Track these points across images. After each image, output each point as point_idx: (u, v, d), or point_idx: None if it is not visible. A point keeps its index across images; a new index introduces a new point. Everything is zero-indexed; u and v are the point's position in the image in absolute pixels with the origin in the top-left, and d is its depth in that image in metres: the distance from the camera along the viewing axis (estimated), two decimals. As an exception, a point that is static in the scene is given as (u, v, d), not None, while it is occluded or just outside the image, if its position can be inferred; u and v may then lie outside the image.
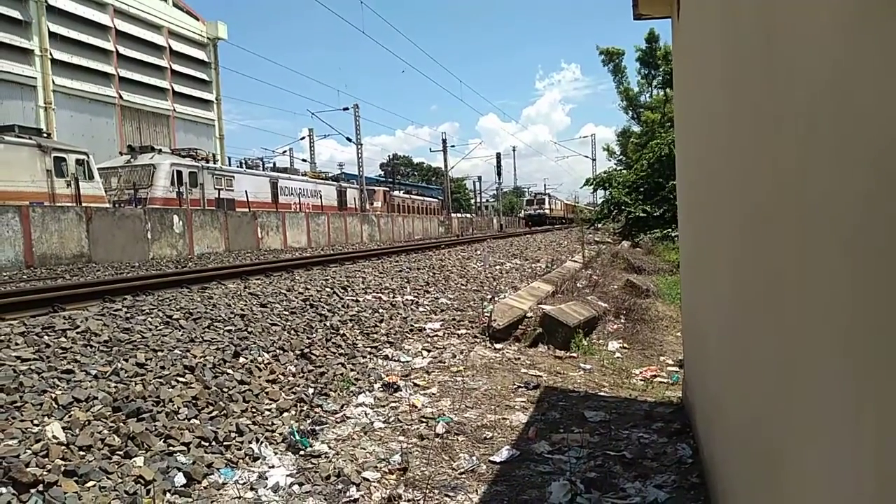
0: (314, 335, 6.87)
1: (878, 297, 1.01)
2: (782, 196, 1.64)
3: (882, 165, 0.97)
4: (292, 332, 6.80)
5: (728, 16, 2.39)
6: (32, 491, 3.12)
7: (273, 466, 3.91)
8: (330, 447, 4.27)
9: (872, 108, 1.02)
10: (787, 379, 1.66)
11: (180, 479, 3.51)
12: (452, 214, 51.55)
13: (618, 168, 41.72)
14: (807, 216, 1.43)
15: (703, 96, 3.35)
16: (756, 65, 1.91)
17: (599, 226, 33.32)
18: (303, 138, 52.79)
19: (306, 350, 6.28)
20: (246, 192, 27.62)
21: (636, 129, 43.01)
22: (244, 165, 32.33)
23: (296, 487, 3.63)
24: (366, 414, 4.97)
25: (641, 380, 6.35)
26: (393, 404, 5.23)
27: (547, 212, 66.28)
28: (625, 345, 7.93)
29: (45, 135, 21.00)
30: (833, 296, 1.26)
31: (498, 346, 7.53)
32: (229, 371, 5.21)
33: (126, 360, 4.89)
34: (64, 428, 3.67)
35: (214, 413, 4.43)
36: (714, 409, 3.32)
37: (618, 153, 48.04)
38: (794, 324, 1.58)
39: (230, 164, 32.79)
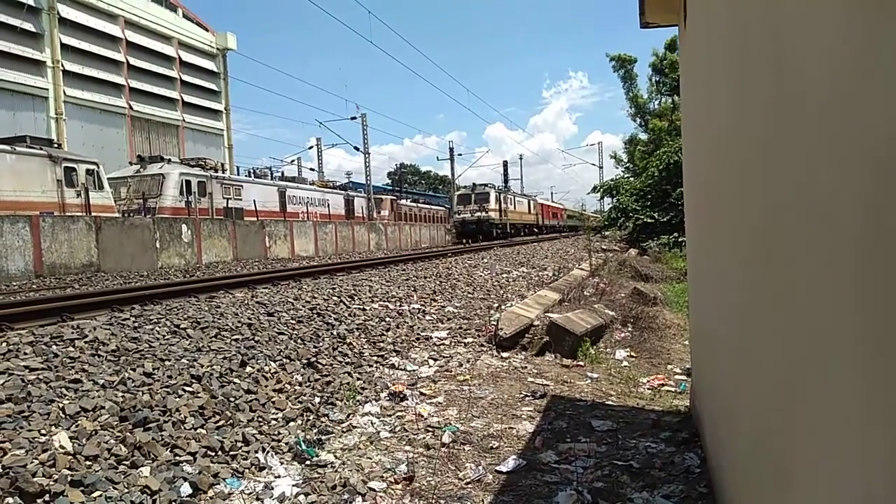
0: (321, 344, 6.87)
1: (890, 302, 1.00)
2: (790, 200, 1.63)
3: (890, 167, 0.96)
4: (299, 340, 6.81)
5: (735, 22, 2.38)
6: (39, 501, 3.14)
7: (279, 476, 3.90)
8: (336, 457, 4.26)
9: (880, 111, 1.01)
10: (797, 387, 1.64)
11: (186, 489, 3.51)
12: (459, 222, 51.38)
13: (625, 176, 41.69)
14: (816, 220, 1.42)
15: (710, 102, 3.35)
16: (763, 71, 1.90)
17: (607, 233, 33.27)
18: (311, 147, 53.06)
19: (313, 359, 6.28)
20: (254, 201, 27.76)
21: (643, 136, 42.94)
22: (252, 175, 32.49)
23: (301, 497, 3.62)
24: (372, 423, 4.96)
25: (649, 389, 6.31)
26: (399, 413, 5.21)
27: (493, 216, 40.24)
28: (632, 353, 7.88)
29: (55, 145, 21.24)
30: (844, 301, 1.25)
31: (504, 354, 7.50)
32: (236, 380, 5.21)
33: (133, 370, 4.91)
34: (71, 438, 3.69)
35: (221, 422, 4.43)
36: (722, 418, 3.29)
37: (625, 161, 47.91)
38: (804, 331, 1.56)
39: (239, 174, 32.96)
